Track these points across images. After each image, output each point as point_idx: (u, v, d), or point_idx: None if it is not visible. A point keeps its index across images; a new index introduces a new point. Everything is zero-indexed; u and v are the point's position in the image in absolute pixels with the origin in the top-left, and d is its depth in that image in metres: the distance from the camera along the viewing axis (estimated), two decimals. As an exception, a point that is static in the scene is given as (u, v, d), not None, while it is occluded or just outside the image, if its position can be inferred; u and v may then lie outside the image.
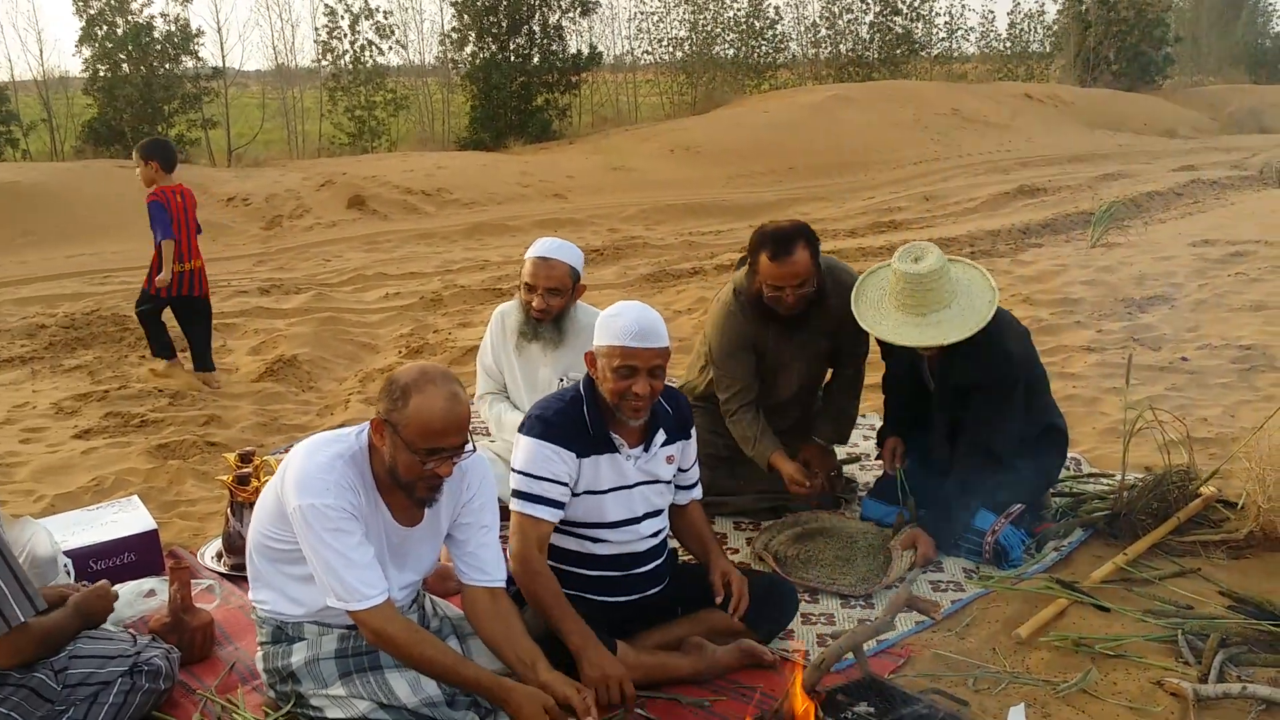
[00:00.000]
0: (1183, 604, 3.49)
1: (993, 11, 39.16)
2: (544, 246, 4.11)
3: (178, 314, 6.73)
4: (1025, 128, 22.76)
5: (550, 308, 4.09)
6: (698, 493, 3.48)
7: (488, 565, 2.96)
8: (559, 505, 3.10)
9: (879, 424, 5.56)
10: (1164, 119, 26.19)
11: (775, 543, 4.15)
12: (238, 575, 3.83)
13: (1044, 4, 30.98)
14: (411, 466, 2.71)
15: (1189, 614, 3.40)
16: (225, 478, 4.10)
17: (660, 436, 3.24)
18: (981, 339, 3.84)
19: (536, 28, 20.73)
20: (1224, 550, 3.87)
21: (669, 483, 3.34)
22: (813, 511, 4.35)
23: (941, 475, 4.06)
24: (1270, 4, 36.84)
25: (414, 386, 2.69)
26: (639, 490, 3.23)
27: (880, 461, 4.60)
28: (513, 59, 20.51)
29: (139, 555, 3.91)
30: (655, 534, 3.32)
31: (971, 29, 29.83)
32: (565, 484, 3.11)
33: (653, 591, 3.33)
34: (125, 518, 4.09)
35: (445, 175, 15.34)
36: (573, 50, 21.53)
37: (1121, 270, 9.05)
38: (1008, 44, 30.46)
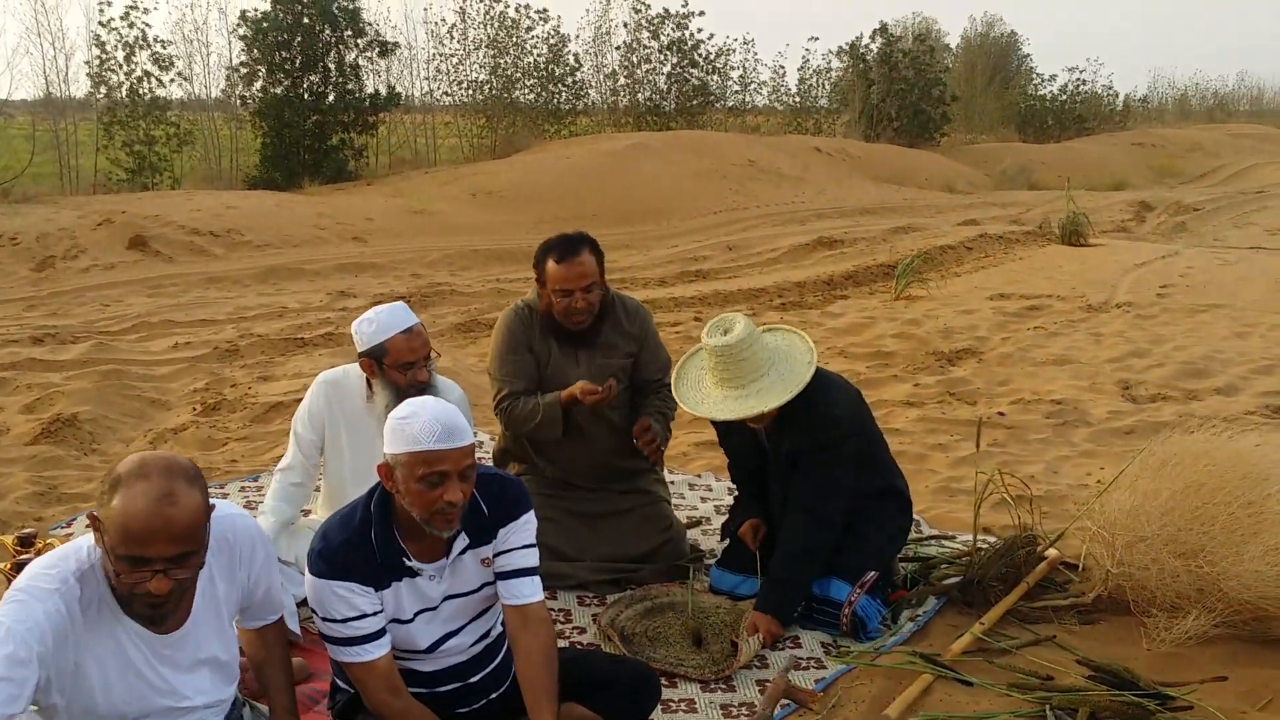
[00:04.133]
0: (1043, 675, 3.44)
1: (783, 67, 40.01)
2: (394, 319, 3.78)
3: None
4: (817, 180, 23.41)
5: (429, 375, 3.81)
6: (534, 588, 2.88)
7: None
8: (380, 634, 2.75)
9: (714, 484, 5.50)
10: (943, 174, 27.42)
11: (622, 619, 3.93)
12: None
13: (831, 61, 31.75)
14: (119, 576, 2.27)
15: (1052, 686, 3.35)
16: (3, 565, 3.63)
17: (461, 542, 2.81)
18: (807, 403, 3.78)
19: (332, 65, 20.14)
20: (1074, 615, 3.87)
21: (490, 584, 2.90)
22: (662, 585, 4.17)
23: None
24: (1034, 68, 39.18)
25: (124, 480, 2.26)
26: (449, 605, 2.86)
27: (720, 532, 4.48)
28: (306, 97, 19.84)
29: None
30: (481, 638, 2.98)
31: (764, 83, 30.62)
32: (376, 612, 2.74)
33: (496, 694, 3.02)
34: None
35: (236, 215, 14.60)
36: (370, 90, 20.99)
37: (927, 323, 9.27)
38: (796, 98, 31.44)
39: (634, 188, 19.35)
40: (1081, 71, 42.99)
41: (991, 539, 4.29)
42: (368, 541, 2.74)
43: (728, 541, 4.30)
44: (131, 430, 6.57)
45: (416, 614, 2.84)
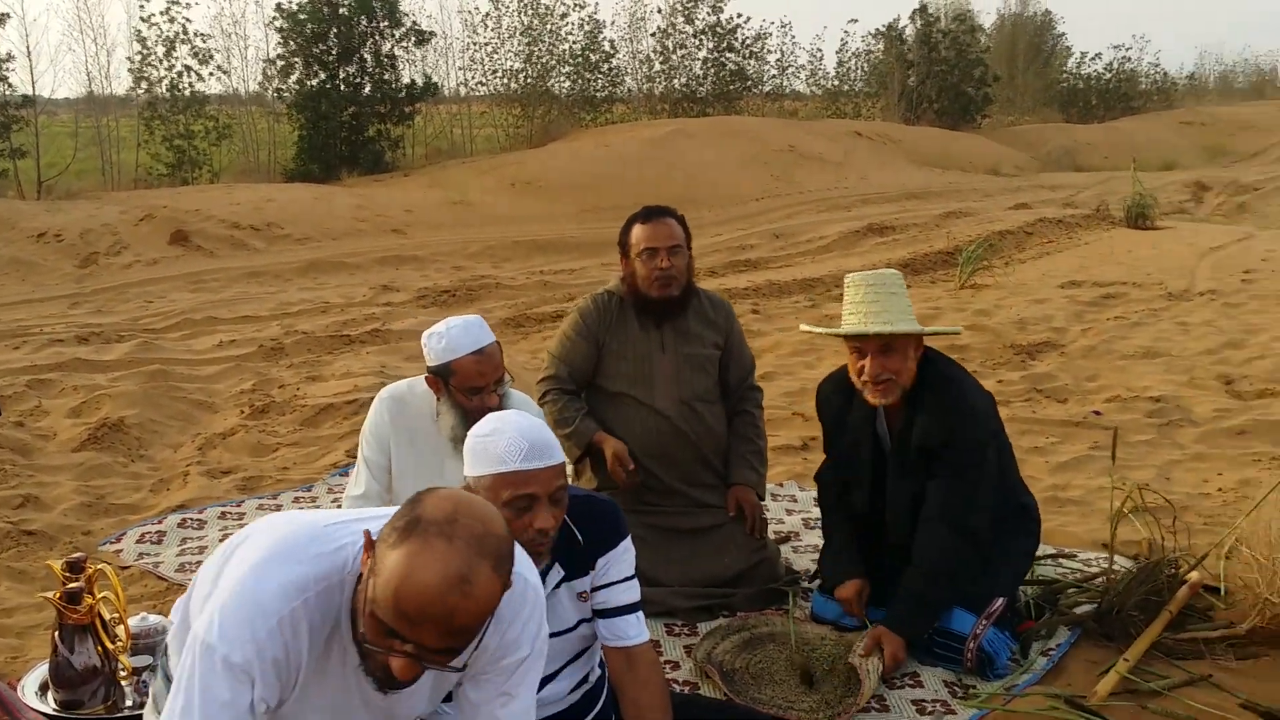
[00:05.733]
0: (1205, 722, 3.05)
1: (821, 50, 39.56)
2: (466, 338, 3.40)
3: None
4: (859, 165, 22.92)
5: (501, 397, 3.45)
6: (639, 627, 2.62)
7: None
8: None
9: (799, 494, 5.13)
10: (987, 157, 26.84)
11: (719, 652, 3.57)
12: (67, 717, 3.05)
13: (870, 44, 31.17)
14: (370, 635, 1.87)
15: (1220, 735, 2.97)
16: (51, 594, 3.30)
17: (555, 575, 2.53)
18: (946, 391, 3.45)
19: (369, 56, 19.82)
20: (1227, 648, 3.47)
21: (588, 620, 2.62)
22: (760, 613, 3.80)
23: (902, 561, 3.56)
24: (1070, 46, 38.30)
25: (423, 530, 1.82)
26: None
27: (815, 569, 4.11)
28: (343, 88, 19.54)
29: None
30: (580, 683, 2.67)
31: (801, 67, 30.11)
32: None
33: None
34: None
35: (275, 209, 14.33)
36: (406, 80, 20.68)
37: (999, 314, 8.85)
38: (835, 82, 30.91)
39: (675, 175, 18.95)
40: (1127, 49, 42.17)
41: (1119, 558, 3.90)
42: None
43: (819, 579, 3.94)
44: (179, 435, 6.29)
45: None
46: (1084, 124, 33.16)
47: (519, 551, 2.12)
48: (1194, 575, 3.77)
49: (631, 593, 2.60)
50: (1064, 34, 37.53)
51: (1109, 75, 36.36)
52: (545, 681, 2.57)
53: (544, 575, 2.44)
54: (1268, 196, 19.59)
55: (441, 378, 3.43)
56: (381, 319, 9.26)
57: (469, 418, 3.42)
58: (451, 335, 3.41)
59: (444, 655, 1.84)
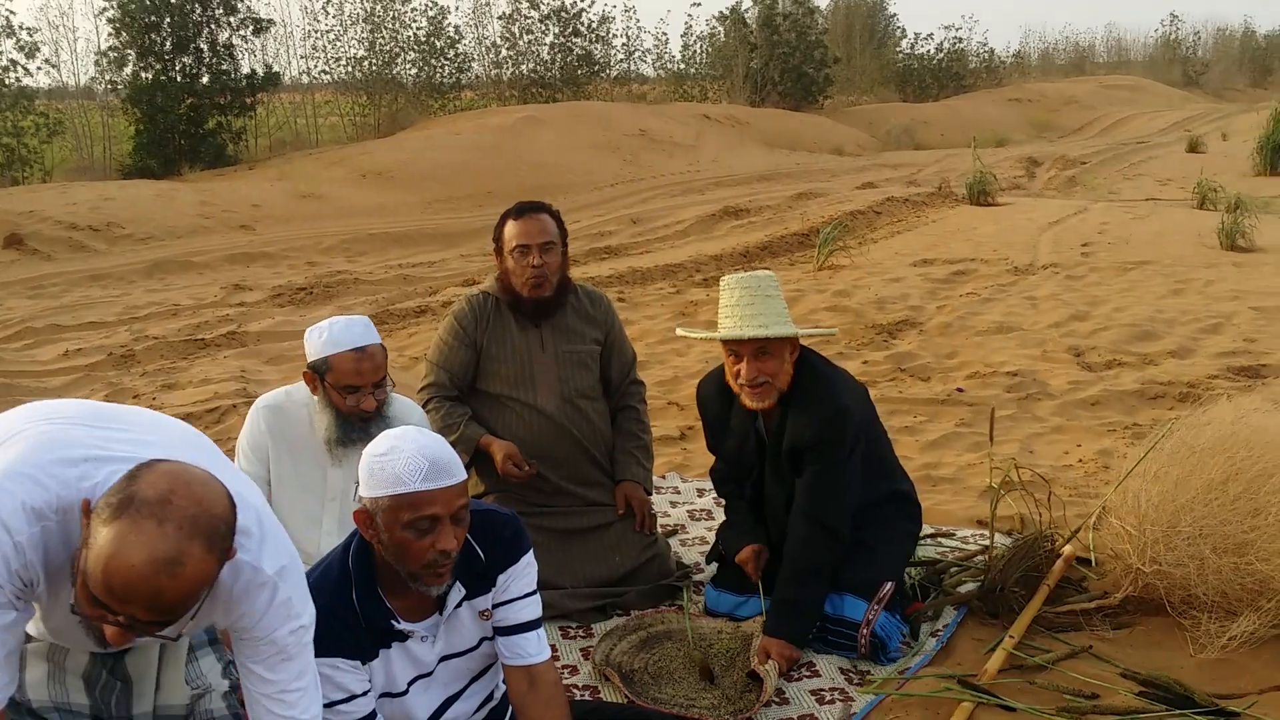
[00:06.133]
0: (1089, 693, 3.16)
1: (666, 34, 39.81)
2: (348, 335, 3.34)
3: None
4: (710, 148, 23.15)
5: (380, 403, 3.36)
6: (540, 645, 2.55)
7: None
8: (372, 717, 2.38)
9: (681, 485, 5.15)
10: (831, 137, 27.39)
11: (617, 653, 3.56)
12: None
13: (715, 27, 31.46)
14: (83, 602, 1.87)
15: (1105, 708, 3.08)
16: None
17: (457, 594, 2.43)
18: (816, 391, 3.50)
19: (205, 46, 19.15)
20: (1104, 618, 3.61)
21: (490, 639, 2.55)
22: (656, 611, 3.81)
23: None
24: (901, 27, 39.31)
25: (136, 508, 1.81)
26: (446, 667, 2.50)
27: (709, 553, 4.15)
28: (180, 79, 18.85)
29: None
30: (485, 701, 2.62)
31: (648, 50, 30.23)
32: (365, 691, 2.36)
33: None
34: None
35: (114, 207, 13.73)
36: (246, 70, 20.06)
37: (858, 294, 9.04)
38: (681, 65, 31.12)
39: (528, 162, 18.84)
40: (957, 29, 43.48)
41: (999, 536, 4.02)
42: (348, 605, 2.33)
43: (715, 564, 3.97)
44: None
45: (411, 683, 2.46)
46: (920, 103, 34.11)
47: (276, 538, 2.13)
48: (1068, 549, 3.91)
49: (533, 609, 2.54)
50: (895, 14, 38.55)
51: (941, 55, 37.46)
52: (450, 701, 2.53)
53: (445, 595, 2.39)
54: (1094, 170, 20.48)
55: (319, 374, 3.35)
56: (236, 320, 8.97)
57: (344, 420, 3.35)
58: (334, 330, 3.34)
59: (155, 626, 1.86)
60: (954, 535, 4.34)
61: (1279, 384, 6.21)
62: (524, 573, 2.52)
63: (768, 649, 3.42)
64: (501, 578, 2.48)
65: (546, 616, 3.72)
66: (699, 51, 31.39)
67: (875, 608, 3.48)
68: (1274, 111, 18.64)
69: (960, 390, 6.28)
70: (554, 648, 3.64)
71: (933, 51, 37.58)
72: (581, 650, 3.63)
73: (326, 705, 2.27)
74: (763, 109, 29.01)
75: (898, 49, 38.05)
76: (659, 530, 4.18)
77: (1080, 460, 5.17)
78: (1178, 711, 3.02)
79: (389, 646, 2.39)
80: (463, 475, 2.30)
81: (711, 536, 4.16)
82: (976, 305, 8.49)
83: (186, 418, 6.31)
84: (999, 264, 10.21)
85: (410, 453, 2.23)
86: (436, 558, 2.25)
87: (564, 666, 3.52)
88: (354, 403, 3.32)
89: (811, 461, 3.51)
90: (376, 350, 3.35)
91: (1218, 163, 19.20)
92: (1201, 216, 12.87)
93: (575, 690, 3.37)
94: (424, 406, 3.92)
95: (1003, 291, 8.95)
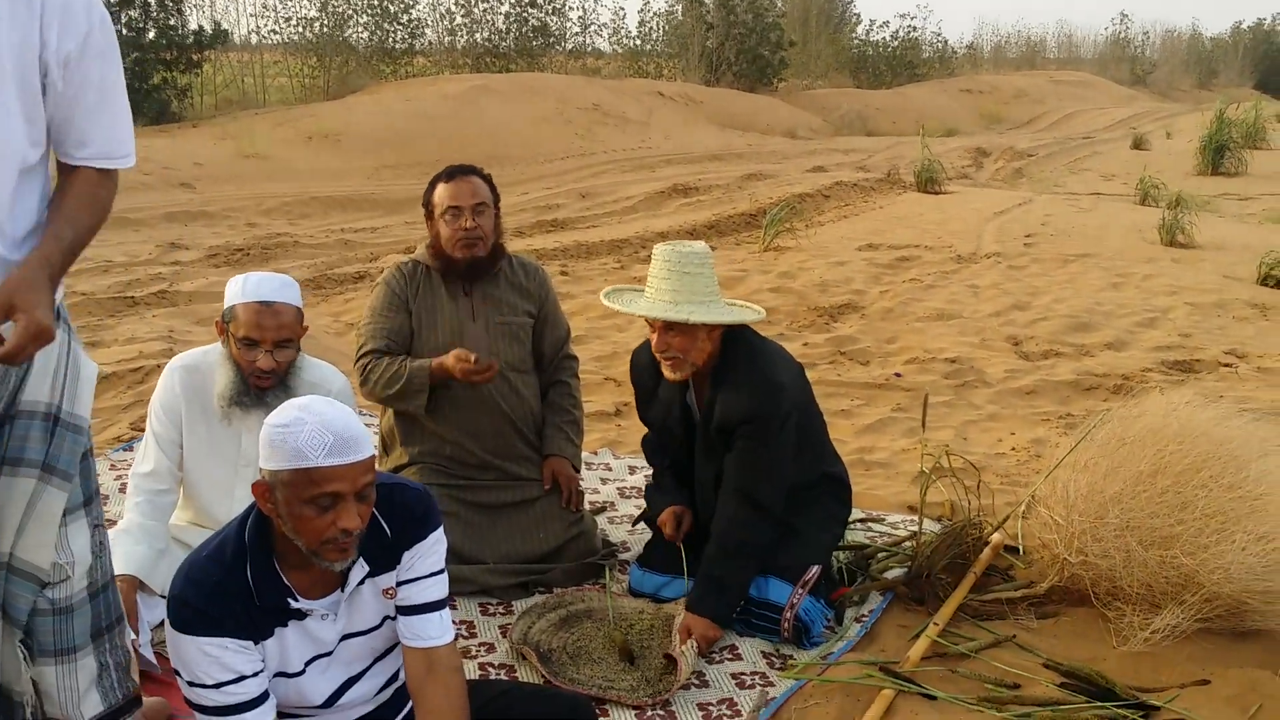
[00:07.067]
0: (1011, 683, 3.14)
1: (623, 9, 39.73)
2: (260, 287, 3.23)
3: None
4: (662, 125, 23.03)
5: (280, 365, 3.23)
6: (442, 627, 2.40)
7: None
8: (263, 699, 2.26)
9: (613, 462, 5.08)
10: (784, 120, 27.36)
11: (535, 631, 3.48)
12: None
13: (672, 4, 31.29)
14: None
15: (1026, 698, 3.06)
16: None
17: (360, 570, 2.32)
18: (748, 365, 3.42)
19: (152, 0, 18.72)
20: (1028, 608, 3.59)
21: (391, 618, 2.42)
22: (578, 589, 3.74)
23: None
24: (858, 13, 39.46)
25: None
26: (346, 646, 2.38)
27: (637, 526, 4.10)
28: (125, 33, 18.39)
29: None
30: (389, 682, 2.51)
31: (604, 25, 30.02)
32: (256, 672, 2.25)
33: None
34: None
35: (50, 161, 13.39)
36: (194, 26, 19.64)
37: (802, 276, 9.00)
38: (637, 41, 30.94)
39: (478, 132, 18.63)
40: (912, 18, 43.59)
41: (925, 521, 3.99)
42: (242, 581, 2.22)
43: (644, 532, 3.92)
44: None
45: (308, 664, 2.35)
46: (873, 90, 34.16)
47: None
48: (996, 537, 3.90)
49: (438, 589, 2.40)
50: (853, 1, 38.55)
51: (895, 43, 37.56)
52: (352, 681, 2.44)
53: (347, 572, 2.30)
54: (1041, 162, 20.62)
55: (225, 323, 3.25)
56: (169, 279, 8.77)
57: (241, 377, 3.23)
58: (249, 281, 3.23)
59: None
60: (884, 520, 4.31)
61: (1211, 379, 6.26)
62: (431, 550, 2.40)
63: (689, 626, 3.36)
64: (407, 555, 2.37)
65: (466, 592, 3.70)
66: (655, 28, 31.22)
67: (800, 591, 3.44)
68: (1217, 113, 18.90)
69: (898, 375, 6.27)
70: (471, 625, 3.57)
71: (888, 39, 37.72)
72: (500, 627, 3.56)
73: (214, 686, 2.19)
74: (717, 89, 28.91)
75: (853, 35, 38.09)
76: (586, 508, 4.10)
77: (1013, 449, 5.17)
78: (1098, 704, 3.00)
79: (285, 625, 2.28)
80: (370, 451, 2.19)
81: (642, 516, 4.10)
82: (919, 291, 8.48)
83: (109, 376, 6.16)
84: (943, 251, 10.22)
85: (314, 425, 2.12)
86: (338, 535, 2.15)
87: (481, 644, 3.45)
88: (250, 358, 3.20)
89: (743, 437, 3.43)
90: (285, 309, 3.22)
91: (1161, 161, 19.42)
92: (1143, 212, 13.00)
93: (491, 669, 3.30)
94: (363, 376, 3.79)
95: (945, 279, 8.95)
